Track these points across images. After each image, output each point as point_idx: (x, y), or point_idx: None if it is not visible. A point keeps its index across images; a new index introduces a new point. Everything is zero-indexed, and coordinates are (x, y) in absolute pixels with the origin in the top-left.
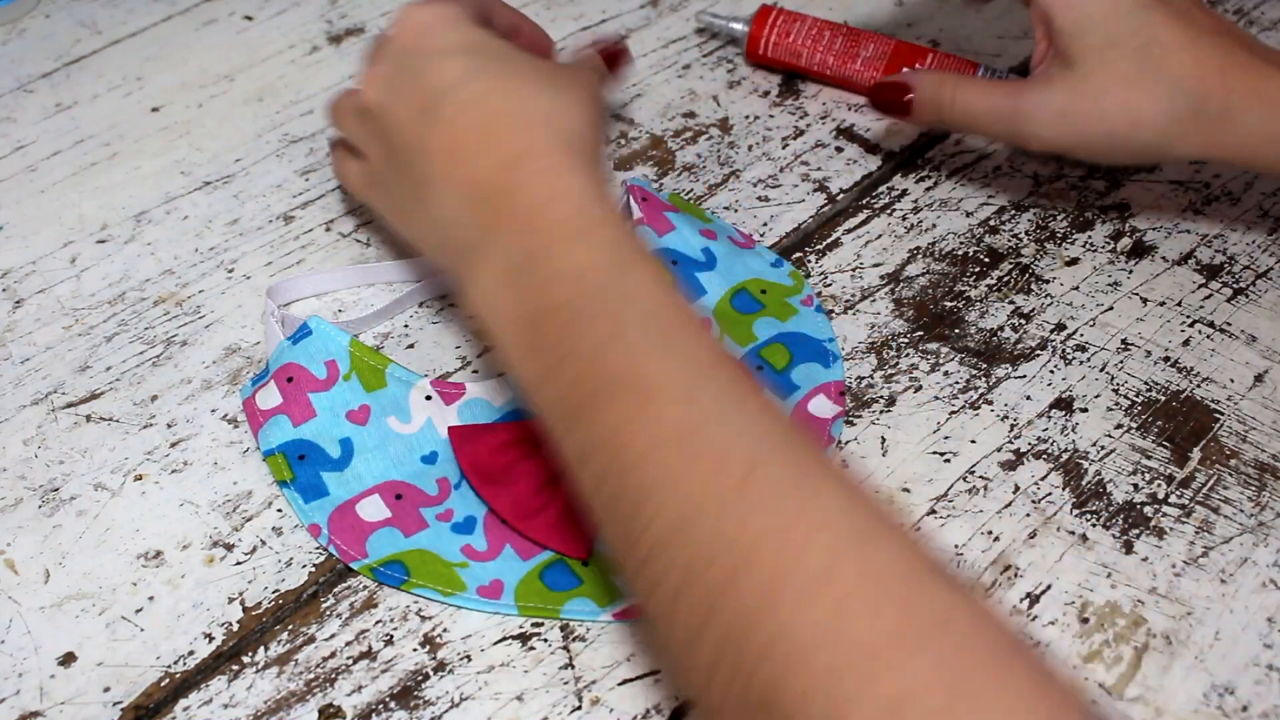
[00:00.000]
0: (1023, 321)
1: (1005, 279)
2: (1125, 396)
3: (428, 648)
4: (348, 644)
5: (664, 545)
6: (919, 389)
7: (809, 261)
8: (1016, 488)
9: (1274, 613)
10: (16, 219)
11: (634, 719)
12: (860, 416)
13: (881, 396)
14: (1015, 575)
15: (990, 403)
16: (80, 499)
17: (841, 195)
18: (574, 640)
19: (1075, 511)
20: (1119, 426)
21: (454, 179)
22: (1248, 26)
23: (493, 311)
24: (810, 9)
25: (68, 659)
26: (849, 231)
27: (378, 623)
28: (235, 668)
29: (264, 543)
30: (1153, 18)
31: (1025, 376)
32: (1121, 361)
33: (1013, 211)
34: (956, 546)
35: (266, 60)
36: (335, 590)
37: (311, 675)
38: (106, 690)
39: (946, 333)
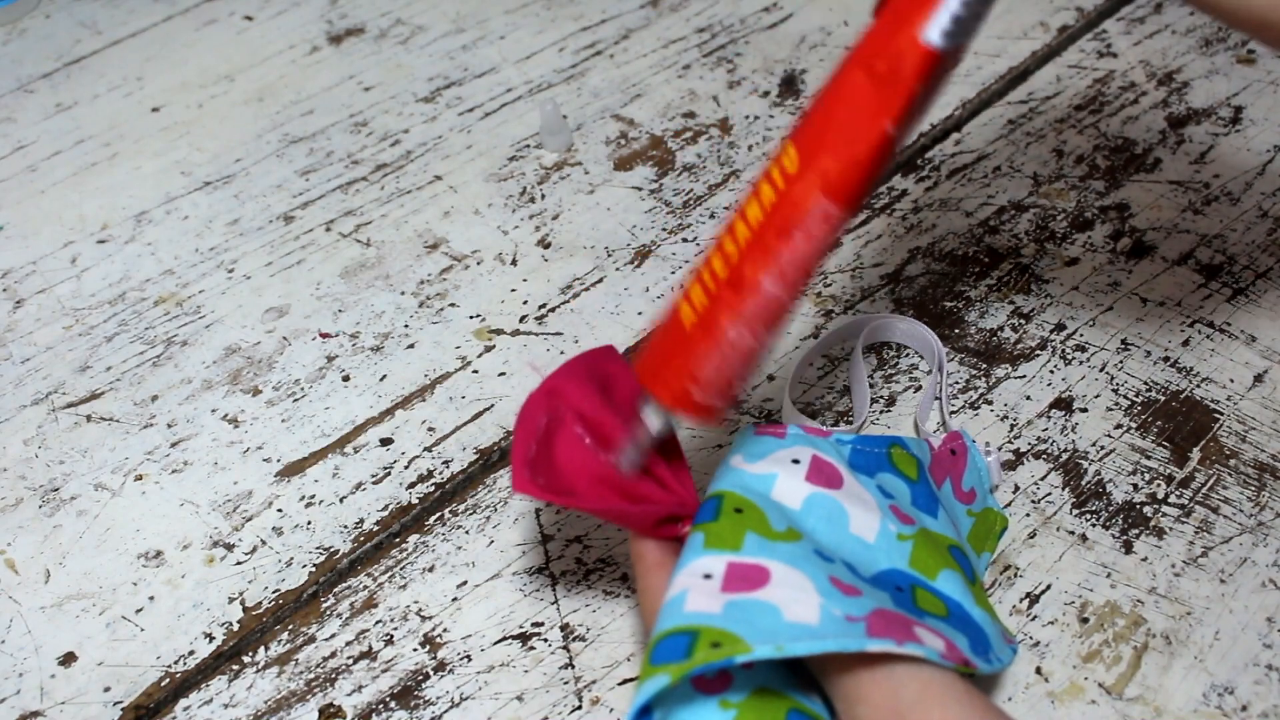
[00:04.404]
0: (1023, 321)
1: (1005, 279)
2: (1125, 396)
3: (428, 648)
4: (348, 644)
5: None
6: (919, 389)
7: None
8: (1016, 487)
9: (1273, 613)
10: (16, 219)
11: None
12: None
13: (881, 397)
14: (1015, 575)
15: (990, 403)
16: (80, 499)
17: None
18: (574, 640)
19: (1075, 511)
20: (1119, 426)
21: None
22: None
23: None
24: (809, 9)
25: (68, 659)
26: (849, 231)
27: (378, 623)
28: (235, 668)
29: (264, 543)
30: None
31: (1025, 376)
32: (1121, 361)
33: (1013, 211)
34: None
35: (266, 60)
36: (335, 590)
37: (312, 675)
38: (107, 690)
39: (946, 333)
